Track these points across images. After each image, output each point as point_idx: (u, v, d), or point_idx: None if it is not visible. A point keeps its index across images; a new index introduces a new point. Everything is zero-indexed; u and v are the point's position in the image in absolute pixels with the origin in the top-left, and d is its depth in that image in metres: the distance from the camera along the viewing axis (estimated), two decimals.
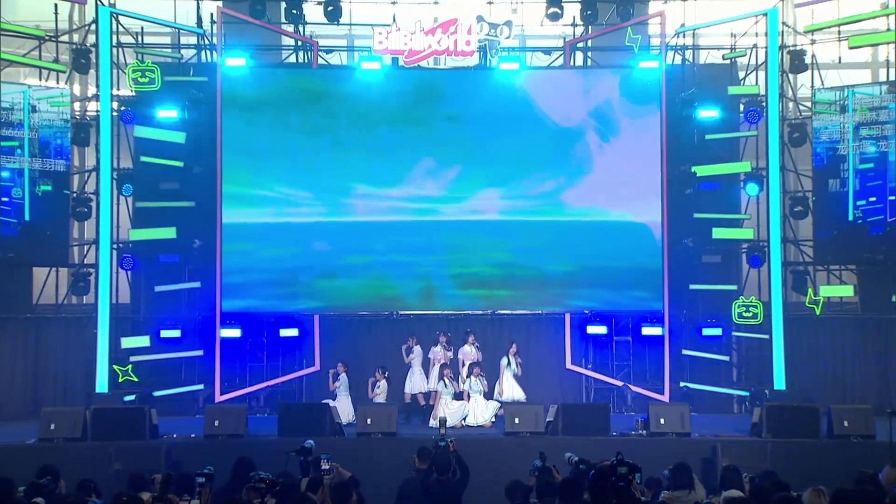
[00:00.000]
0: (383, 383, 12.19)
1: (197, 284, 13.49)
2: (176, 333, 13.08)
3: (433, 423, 11.15)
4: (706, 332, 13.42)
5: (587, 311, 13.68)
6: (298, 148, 13.35)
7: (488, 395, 11.66)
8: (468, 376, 11.83)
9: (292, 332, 13.59)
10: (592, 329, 13.70)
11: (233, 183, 13.33)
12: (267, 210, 13.39)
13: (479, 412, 11.85)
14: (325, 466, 6.34)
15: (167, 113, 13.41)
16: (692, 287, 13.65)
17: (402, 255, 13.52)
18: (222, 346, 13.30)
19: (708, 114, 13.64)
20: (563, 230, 13.49)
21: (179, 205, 13.40)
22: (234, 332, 13.30)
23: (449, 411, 11.48)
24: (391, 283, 13.60)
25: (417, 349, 12.53)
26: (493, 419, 11.90)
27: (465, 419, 11.77)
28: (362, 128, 13.28)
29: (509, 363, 11.98)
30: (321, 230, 13.44)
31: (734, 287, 13.72)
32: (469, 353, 12.55)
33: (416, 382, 12.39)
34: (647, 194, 13.45)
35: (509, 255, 13.53)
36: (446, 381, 11.47)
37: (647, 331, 13.47)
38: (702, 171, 13.59)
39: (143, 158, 13.43)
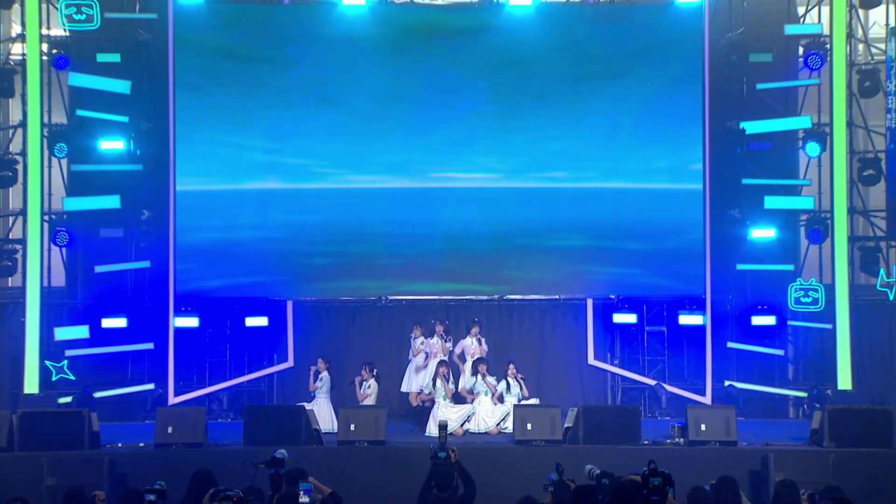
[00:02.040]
0: (373, 383, 12.21)
1: (146, 264, 13.50)
2: (121, 323, 13.12)
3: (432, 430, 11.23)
4: (756, 320, 13.47)
5: (613, 297, 13.71)
6: (268, 101, 13.33)
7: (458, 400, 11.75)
8: (473, 374, 11.76)
9: (261, 322, 13.56)
10: (620, 318, 13.67)
11: (189, 142, 13.23)
12: (231, 175, 13.40)
13: (484, 416, 11.83)
14: (303, 501, 6.33)
15: (108, 57, 13.37)
16: (739, 267, 13.68)
17: (392, 228, 13.53)
18: (177, 339, 13.38)
19: (760, 59, 13.70)
20: (585, 199, 13.45)
21: (124, 168, 13.36)
22: (191, 322, 13.34)
23: (450, 414, 11.42)
24: (380, 263, 13.52)
25: (421, 340, 12.54)
26: (502, 425, 11.79)
27: (468, 422, 11.78)
28: (344, 77, 13.28)
29: (508, 387, 11.84)
30: (297, 200, 13.41)
31: (790, 267, 13.73)
32: (471, 346, 12.53)
33: (417, 380, 12.38)
34: (687, 156, 13.49)
35: (520, 228, 13.51)
36: (439, 381, 11.35)
37: (686, 319, 13.48)
38: (752, 127, 13.56)
39: (80, 112, 13.32)
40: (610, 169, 13.58)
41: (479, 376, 11.77)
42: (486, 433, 11.78)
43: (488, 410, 11.90)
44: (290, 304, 13.65)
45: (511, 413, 11.50)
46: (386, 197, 13.52)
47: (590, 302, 13.83)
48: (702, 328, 13.40)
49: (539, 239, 13.59)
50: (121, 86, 13.33)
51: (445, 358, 12.09)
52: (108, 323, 13.08)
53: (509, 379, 11.61)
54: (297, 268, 13.64)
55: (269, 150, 13.45)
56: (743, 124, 13.50)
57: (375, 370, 12.37)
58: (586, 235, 13.63)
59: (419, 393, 12.28)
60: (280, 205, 13.40)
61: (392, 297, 13.53)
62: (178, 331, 13.33)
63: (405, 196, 13.46)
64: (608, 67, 13.41)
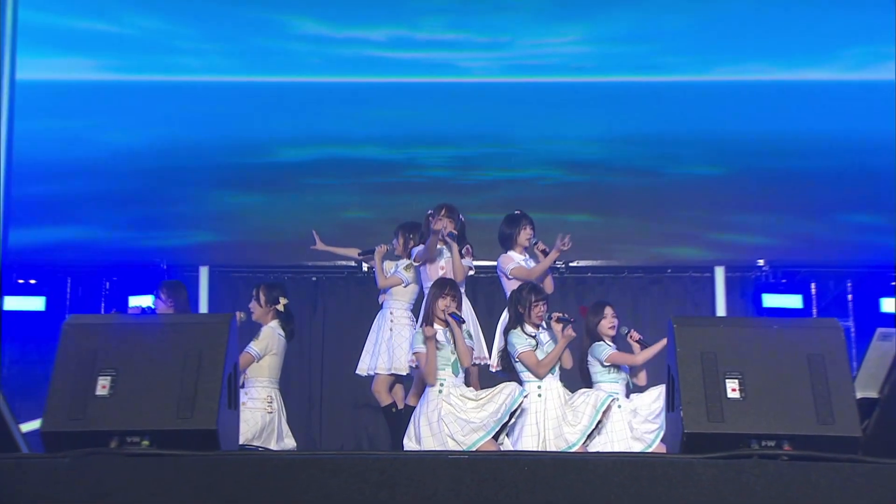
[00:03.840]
0: None
1: None
2: None
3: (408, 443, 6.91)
4: None
5: (761, 264, 11.03)
6: None
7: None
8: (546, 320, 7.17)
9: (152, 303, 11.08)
10: (773, 300, 10.92)
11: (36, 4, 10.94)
12: (108, 58, 11.21)
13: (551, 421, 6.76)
14: None
15: None
16: None
17: (379, 148, 11.22)
18: (6, 330, 10.83)
19: None
20: (703, 98, 11.04)
21: None
22: (33, 304, 10.88)
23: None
24: (356, 200, 11.29)
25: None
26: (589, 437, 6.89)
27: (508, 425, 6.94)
28: None
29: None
30: (218, 97, 11.21)
31: None
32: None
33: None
34: (873, 32, 10.92)
35: (592, 148, 11.22)
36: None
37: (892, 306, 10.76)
38: None
39: None
40: (748, 54, 11.20)
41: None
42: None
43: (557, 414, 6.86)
44: (203, 273, 11.09)
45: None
46: (367, 96, 11.33)
47: (720, 272, 11.09)
48: None
49: (632, 164, 11.23)
50: None
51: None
52: None
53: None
54: (217, 212, 11.40)
55: (166, 11, 11.43)
56: None
57: None
58: (710, 160, 11.18)
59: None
60: (187, 107, 11.32)
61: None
62: (8, 317, 10.67)
63: (397, 97, 11.38)
64: None
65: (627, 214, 11.19)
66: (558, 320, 6.72)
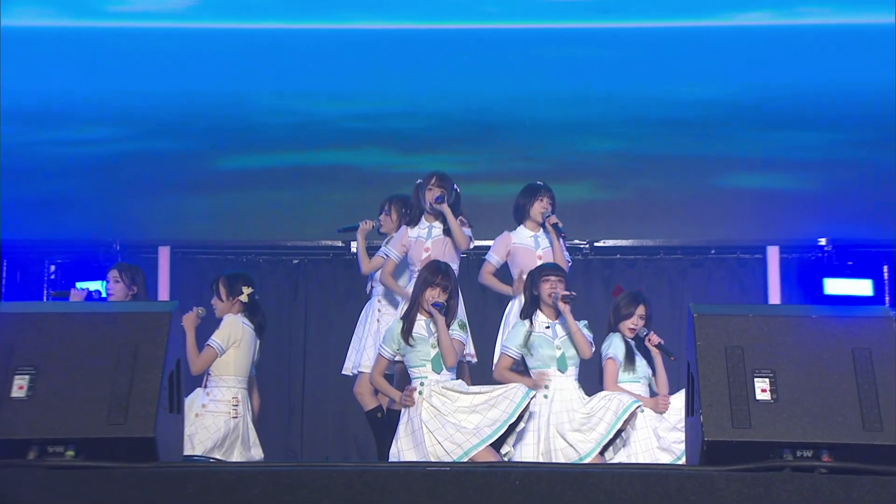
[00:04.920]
0: None
1: None
2: None
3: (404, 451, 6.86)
4: None
5: (823, 243, 11.10)
6: None
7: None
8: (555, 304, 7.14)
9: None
10: (837, 286, 10.93)
11: None
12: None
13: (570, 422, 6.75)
14: None
15: None
16: None
17: (377, 104, 11.67)
18: None
19: None
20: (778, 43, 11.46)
21: None
22: None
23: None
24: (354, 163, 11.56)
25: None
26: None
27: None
28: None
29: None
30: (203, 50, 11.77)
31: None
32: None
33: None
34: None
35: (615, 108, 11.50)
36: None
37: None
38: None
39: None
40: None
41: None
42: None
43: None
44: (163, 254, 11.23)
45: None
46: (372, 42, 11.79)
47: (773, 252, 11.11)
48: None
49: (670, 131, 11.50)
50: None
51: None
52: None
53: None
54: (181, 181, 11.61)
55: None
56: None
57: None
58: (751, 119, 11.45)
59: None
60: (169, 63, 11.77)
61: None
62: None
63: (403, 45, 11.79)
64: None
65: (663, 184, 11.22)
66: (563, 299, 6.71)
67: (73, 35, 11.65)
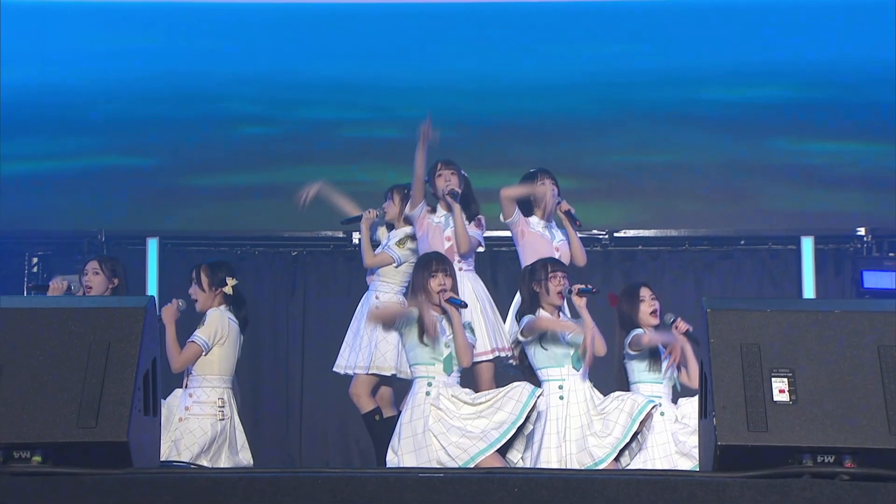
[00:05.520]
0: None
1: None
2: None
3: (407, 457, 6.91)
4: None
5: (862, 233, 11.25)
6: None
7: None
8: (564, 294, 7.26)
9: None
10: (877, 279, 11.01)
11: None
12: None
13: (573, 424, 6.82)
14: None
15: None
16: None
17: (380, 77, 11.64)
18: None
19: None
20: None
21: None
22: None
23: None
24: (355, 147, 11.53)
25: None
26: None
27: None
28: None
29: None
30: (198, 21, 11.82)
31: None
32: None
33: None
34: None
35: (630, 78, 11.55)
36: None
37: None
38: None
39: None
40: None
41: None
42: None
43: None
44: (151, 247, 11.33)
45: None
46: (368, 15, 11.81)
47: (808, 243, 11.17)
48: None
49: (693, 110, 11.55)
50: None
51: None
52: None
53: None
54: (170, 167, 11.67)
55: None
56: None
57: None
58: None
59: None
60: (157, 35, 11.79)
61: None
62: None
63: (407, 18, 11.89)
64: None
65: (687, 167, 11.17)
66: (579, 293, 6.74)
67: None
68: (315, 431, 10.57)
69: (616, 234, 11.06)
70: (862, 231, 10.95)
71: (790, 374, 3.79)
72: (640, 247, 11.18)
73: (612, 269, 11.11)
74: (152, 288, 11.08)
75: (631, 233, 11.17)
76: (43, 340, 3.83)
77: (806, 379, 3.79)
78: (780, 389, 3.80)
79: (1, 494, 3.65)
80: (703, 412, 3.97)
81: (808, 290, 11.00)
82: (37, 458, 3.69)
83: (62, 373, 3.81)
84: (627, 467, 6.54)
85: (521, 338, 6.84)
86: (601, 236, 11.05)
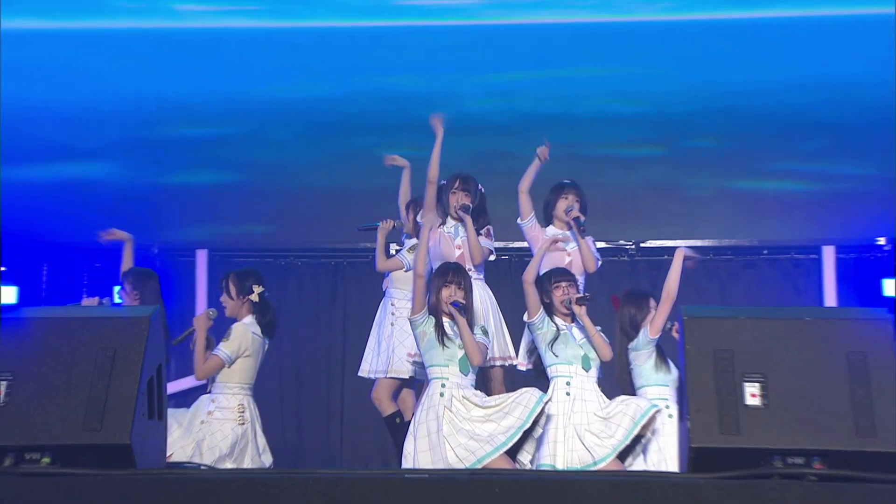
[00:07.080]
0: None
1: None
2: None
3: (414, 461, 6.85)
4: None
5: (882, 243, 11.12)
6: None
7: None
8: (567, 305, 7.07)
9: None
10: None
11: None
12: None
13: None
14: None
15: None
16: None
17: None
18: None
19: None
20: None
21: None
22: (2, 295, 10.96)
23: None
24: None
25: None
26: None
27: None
28: None
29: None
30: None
31: None
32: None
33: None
34: None
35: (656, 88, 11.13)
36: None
37: None
38: None
39: None
40: None
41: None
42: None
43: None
44: (201, 257, 11.25)
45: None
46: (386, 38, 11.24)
47: (829, 253, 11.09)
48: None
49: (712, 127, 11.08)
50: None
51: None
52: None
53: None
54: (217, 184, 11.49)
55: None
56: None
57: None
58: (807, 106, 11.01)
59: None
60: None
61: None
62: None
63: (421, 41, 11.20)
64: None
65: (709, 177, 10.98)
66: (577, 302, 6.65)
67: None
68: (355, 434, 10.54)
69: (643, 245, 10.99)
70: (882, 241, 10.83)
71: (762, 379, 3.75)
72: (665, 256, 10.62)
73: (640, 279, 10.90)
74: (202, 296, 11.07)
75: (657, 243, 11.04)
76: (53, 348, 3.87)
77: (777, 384, 3.76)
78: (752, 394, 3.76)
79: (12, 494, 3.69)
80: (681, 415, 3.95)
81: (830, 299, 10.83)
82: (46, 460, 3.73)
83: (70, 379, 3.85)
84: (630, 468, 6.48)
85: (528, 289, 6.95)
86: (628, 247, 10.98)
